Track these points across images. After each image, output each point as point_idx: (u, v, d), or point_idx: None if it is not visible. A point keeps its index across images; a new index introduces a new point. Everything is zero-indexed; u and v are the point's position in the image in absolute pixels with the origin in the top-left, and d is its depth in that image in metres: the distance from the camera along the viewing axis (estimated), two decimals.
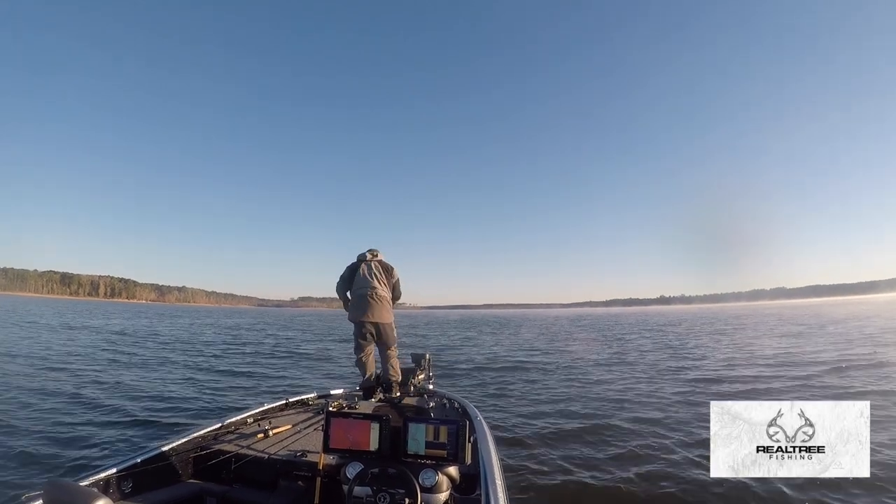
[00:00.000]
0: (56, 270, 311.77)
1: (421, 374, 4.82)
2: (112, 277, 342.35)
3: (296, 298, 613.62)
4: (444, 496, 2.02)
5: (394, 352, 4.50)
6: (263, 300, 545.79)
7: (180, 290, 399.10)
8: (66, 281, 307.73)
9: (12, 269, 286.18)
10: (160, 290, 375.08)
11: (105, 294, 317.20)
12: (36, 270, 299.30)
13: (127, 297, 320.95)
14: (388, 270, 4.54)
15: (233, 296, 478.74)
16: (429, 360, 5.01)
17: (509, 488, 2.24)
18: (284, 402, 3.92)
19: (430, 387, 4.65)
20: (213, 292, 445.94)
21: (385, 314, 4.42)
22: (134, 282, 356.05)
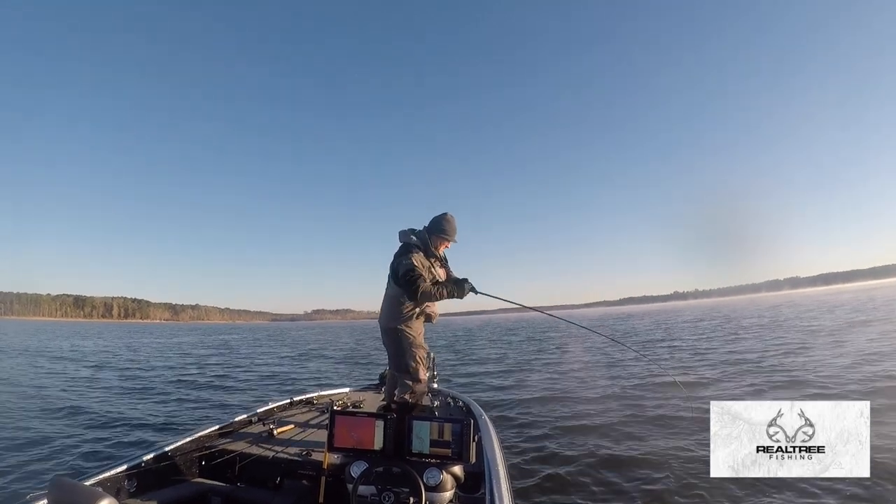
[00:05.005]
0: (69, 293, 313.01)
1: (427, 372, 4.65)
2: (126, 298, 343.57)
3: (309, 312, 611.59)
4: (448, 495, 2.02)
5: (409, 375, 3.36)
6: (277, 315, 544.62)
7: (194, 308, 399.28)
8: (80, 304, 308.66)
9: (25, 293, 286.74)
10: (174, 310, 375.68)
11: (119, 315, 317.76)
12: (49, 294, 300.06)
13: (141, 318, 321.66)
14: (396, 256, 3.36)
15: (247, 312, 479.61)
16: (433, 358, 4.68)
17: (514, 487, 2.24)
18: (289, 400, 3.92)
19: (435, 385, 4.53)
20: (226, 309, 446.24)
21: (386, 318, 3.41)
22: (147, 302, 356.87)
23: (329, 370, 14.30)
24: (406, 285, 3.14)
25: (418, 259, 3.21)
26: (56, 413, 7.38)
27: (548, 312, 4.84)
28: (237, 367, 15.40)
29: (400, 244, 3.41)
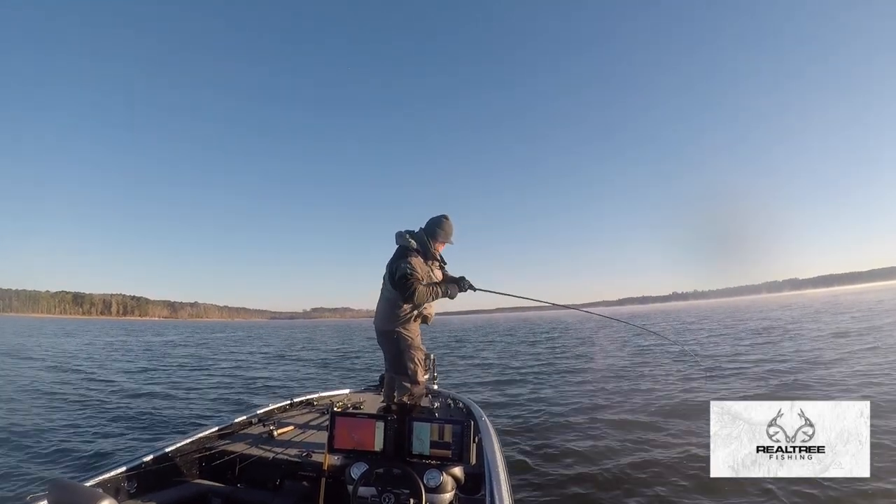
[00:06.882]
0: (68, 291, 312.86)
1: (425, 374, 4.55)
2: (124, 296, 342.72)
3: (308, 310, 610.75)
4: (448, 496, 2.02)
5: (407, 377, 3.33)
6: (276, 313, 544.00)
7: (193, 305, 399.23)
8: (79, 301, 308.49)
9: (24, 290, 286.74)
10: (172, 307, 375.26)
11: (118, 312, 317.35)
12: (48, 291, 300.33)
13: (140, 315, 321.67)
14: (394, 259, 3.27)
15: (245, 310, 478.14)
16: (433, 360, 4.63)
17: (514, 488, 2.25)
18: (289, 402, 3.93)
19: (435, 387, 4.51)
20: (225, 307, 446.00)
21: (383, 320, 3.37)
22: (146, 299, 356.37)
23: (297, 376, 13.08)
24: (402, 289, 3.08)
25: (417, 263, 3.16)
26: (39, 413, 7.29)
27: (572, 307, 4.94)
28: (202, 370, 14.25)
29: (397, 246, 3.35)
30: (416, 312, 3.35)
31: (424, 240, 3.31)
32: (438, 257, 3.46)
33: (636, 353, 14.63)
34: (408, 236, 3.30)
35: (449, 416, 3.52)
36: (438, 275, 3.44)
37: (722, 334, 20.31)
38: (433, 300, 3.28)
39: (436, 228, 3.35)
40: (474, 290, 3.46)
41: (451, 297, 3.39)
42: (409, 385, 3.35)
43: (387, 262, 3.40)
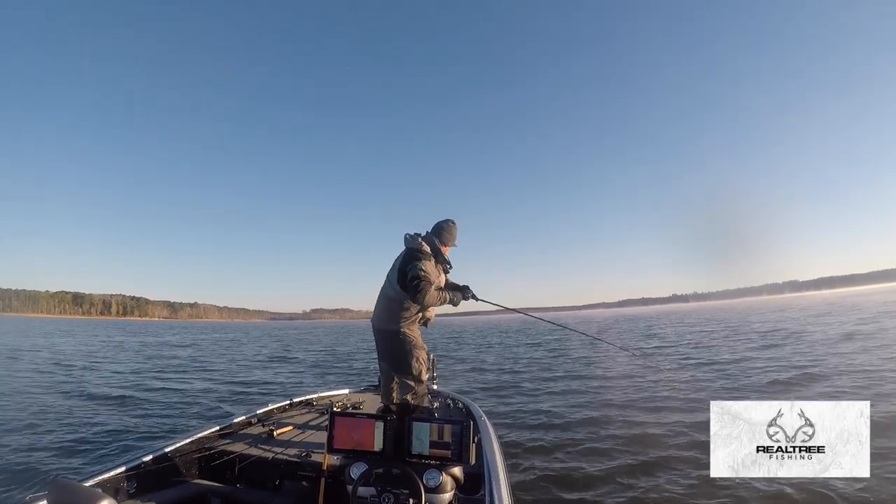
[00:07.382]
0: (68, 291, 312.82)
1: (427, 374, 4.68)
2: (124, 296, 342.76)
3: (308, 311, 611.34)
4: (448, 496, 2.03)
5: (412, 377, 3.33)
6: (276, 314, 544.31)
7: (192, 306, 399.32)
8: (78, 301, 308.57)
9: (24, 290, 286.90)
10: (172, 307, 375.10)
11: (117, 313, 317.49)
12: (48, 291, 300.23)
13: (139, 315, 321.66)
14: (406, 261, 3.22)
15: (245, 310, 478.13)
16: (433, 360, 4.61)
17: (513, 489, 2.25)
18: (289, 402, 3.93)
19: (434, 387, 4.49)
20: (225, 307, 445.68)
21: (385, 320, 3.33)
22: (146, 300, 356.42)
23: (296, 377, 12.99)
24: (414, 291, 3.11)
25: (429, 266, 3.20)
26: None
27: (540, 318, 5.15)
28: (200, 371, 13.97)
29: (405, 248, 3.37)
30: (420, 314, 3.38)
31: (434, 243, 3.36)
32: (445, 260, 3.52)
33: (637, 355, 14.60)
34: (420, 239, 3.34)
35: (448, 416, 3.52)
36: (443, 279, 3.48)
37: (727, 337, 20.10)
38: (440, 305, 3.35)
39: (443, 232, 3.42)
40: (476, 300, 3.56)
41: (455, 305, 3.48)
42: (412, 384, 3.36)
43: (388, 263, 3.44)
